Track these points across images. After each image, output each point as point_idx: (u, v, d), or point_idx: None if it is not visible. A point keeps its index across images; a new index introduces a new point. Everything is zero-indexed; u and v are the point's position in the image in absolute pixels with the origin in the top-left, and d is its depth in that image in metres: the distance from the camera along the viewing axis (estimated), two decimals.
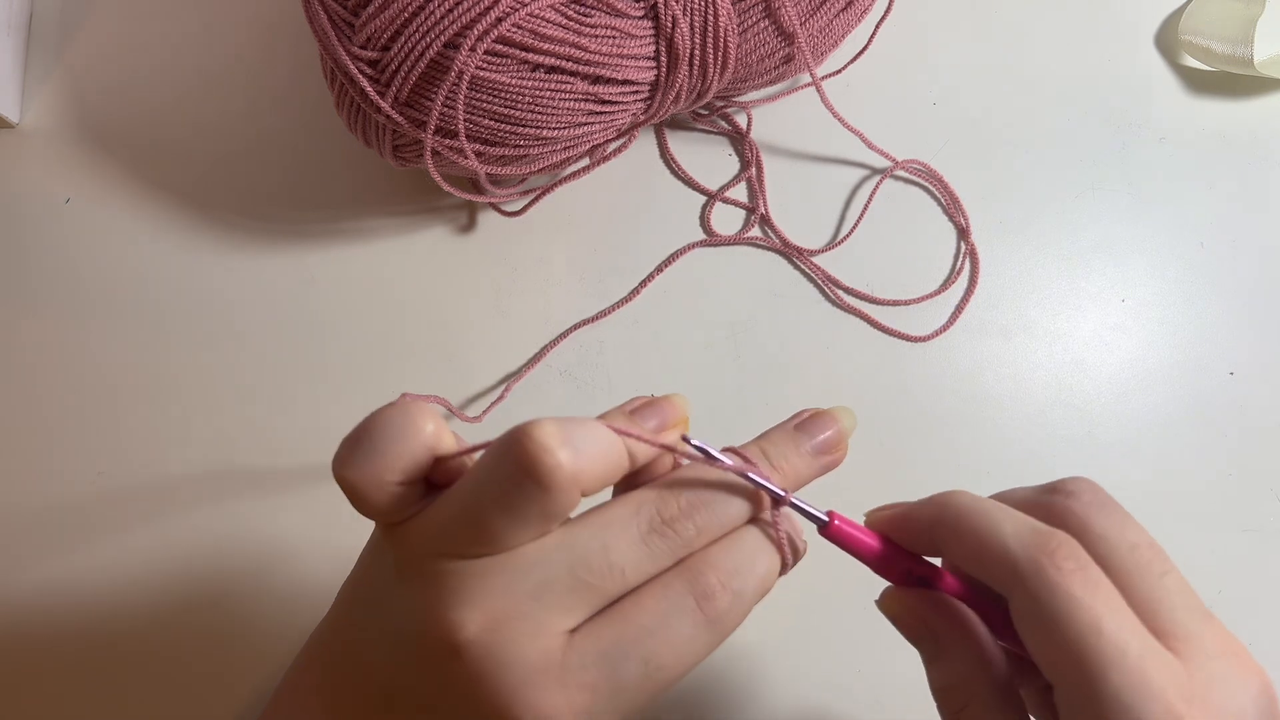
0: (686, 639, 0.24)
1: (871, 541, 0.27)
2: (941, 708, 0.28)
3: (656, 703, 0.26)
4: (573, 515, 0.25)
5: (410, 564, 0.25)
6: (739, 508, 0.26)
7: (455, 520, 0.24)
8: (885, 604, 0.28)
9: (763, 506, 0.27)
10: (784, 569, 0.27)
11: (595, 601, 0.24)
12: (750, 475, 0.26)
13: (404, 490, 0.25)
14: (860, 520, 0.28)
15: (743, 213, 0.48)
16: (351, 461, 0.24)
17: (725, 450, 0.27)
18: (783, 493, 0.26)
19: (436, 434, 0.25)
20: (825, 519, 0.27)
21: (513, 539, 0.24)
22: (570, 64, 0.38)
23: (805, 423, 0.28)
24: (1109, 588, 0.24)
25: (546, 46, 0.37)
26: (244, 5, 0.50)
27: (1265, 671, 0.25)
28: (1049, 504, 0.26)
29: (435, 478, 0.25)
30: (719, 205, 0.48)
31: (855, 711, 0.42)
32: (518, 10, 0.36)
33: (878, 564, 0.28)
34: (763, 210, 0.48)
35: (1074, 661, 0.23)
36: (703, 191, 0.48)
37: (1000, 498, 0.28)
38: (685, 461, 0.27)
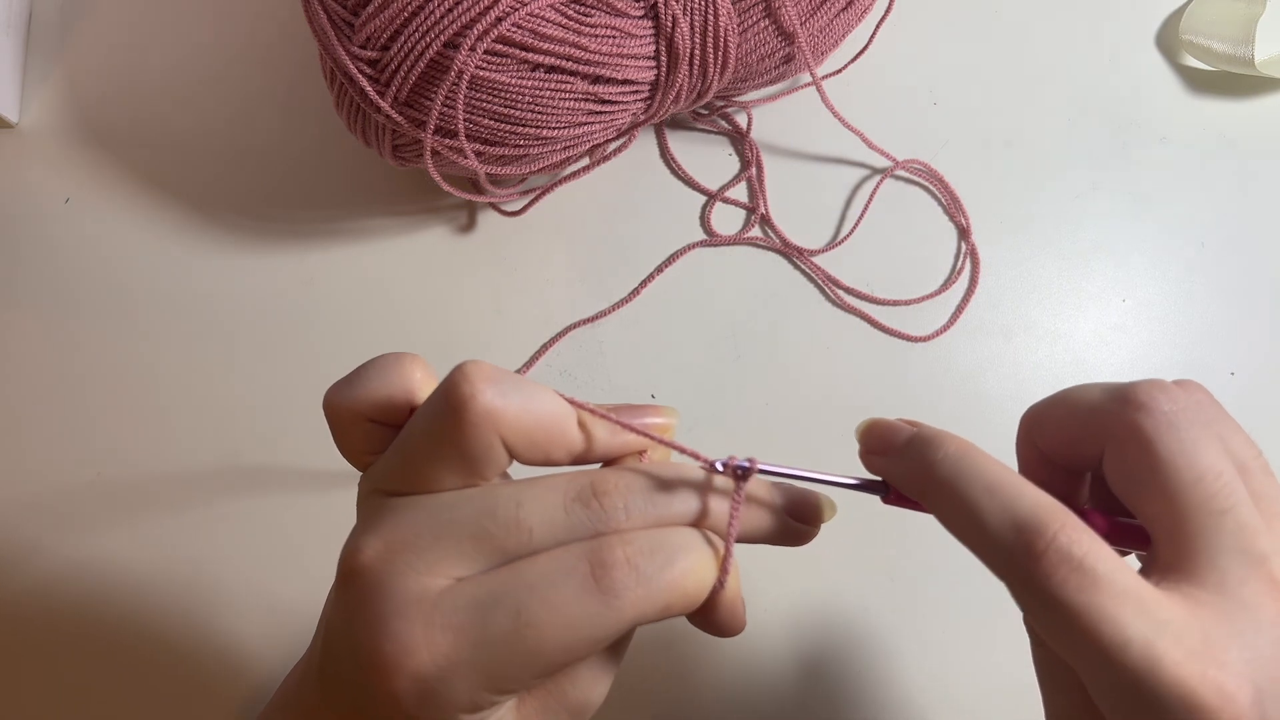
0: (566, 600, 0.22)
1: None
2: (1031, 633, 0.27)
3: (569, 705, 0.25)
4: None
5: (359, 502, 0.26)
6: (687, 506, 0.24)
7: (391, 455, 0.25)
8: None
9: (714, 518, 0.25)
10: (719, 587, 0.24)
11: (493, 555, 0.23)
12: (718, 464, 0.24)
13: (377, 430, 0.25)
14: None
15: (743, 213, 0.48)
16: (337, 390, 0.25)
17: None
18: (747, 463, 0.24)
19: (421, 382, 0.25)
20: (857, 483, 0.26)
21: (434, 478, 0.24)
22: (570, 64, 0.38)
23: (791, 490, 0.26)
24: (1109, 571, 0.21)
25: (546, 46, 0.37)
26: (243, 5, 0.50)
27: None
28: (1117, 415, 0.24)
29: None
30: (719, 205, 0.48)
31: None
32: (517, 10, 0.36)
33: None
34: (763, 210, 0.48)
35: (1078, 657, 0.22)
36: (703, 191, 0.48)
37: (1069, 394, 0.26)
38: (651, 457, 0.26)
